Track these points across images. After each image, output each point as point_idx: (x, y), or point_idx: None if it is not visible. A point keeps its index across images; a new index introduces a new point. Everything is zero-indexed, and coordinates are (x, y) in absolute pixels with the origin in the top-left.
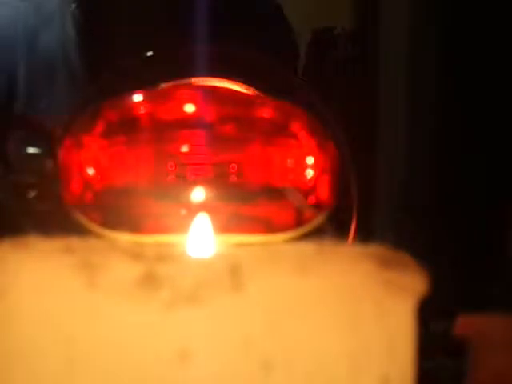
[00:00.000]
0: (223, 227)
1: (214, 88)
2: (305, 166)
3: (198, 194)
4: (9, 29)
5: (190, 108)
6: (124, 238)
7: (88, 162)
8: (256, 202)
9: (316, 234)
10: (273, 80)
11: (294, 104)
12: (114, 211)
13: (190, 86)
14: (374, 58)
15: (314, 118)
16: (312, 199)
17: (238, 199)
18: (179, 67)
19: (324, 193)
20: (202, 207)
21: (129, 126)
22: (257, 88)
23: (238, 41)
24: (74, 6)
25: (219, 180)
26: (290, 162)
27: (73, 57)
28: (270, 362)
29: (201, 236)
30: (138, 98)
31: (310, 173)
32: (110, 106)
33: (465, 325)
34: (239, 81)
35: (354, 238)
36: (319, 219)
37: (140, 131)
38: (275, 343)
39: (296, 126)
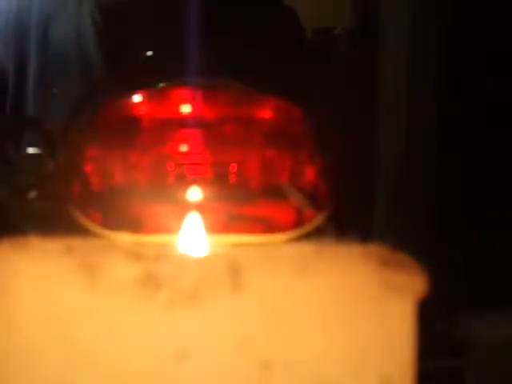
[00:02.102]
0: (223, 227)
1: (214, 88)
2: (305, 166)
3: (198, 194)
4: (15, 29)
5: (189, 108)
6: (124, 238)
7: (88, 162)
8: (256, 202)
9: (316, 234)
10: (273, 80)
11: (294, 104)
12: (114, 211)
13: (190, 86)
14: (374, 58)
15: (313, 118)
16: (312, 199)
17: (238, 199)
18: (179, 67)
19: (324, 193)
20: (201, 207)
21: (128, 126)
22: (256, 88)
23: (238, 40)
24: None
25: (219, 180)
26: (289, 162)
27: (81, 56)
28: (269, 362)
29: (200, 236)
30: (137, 98)
31: (309, 173)
32: (109, 106)
33: (465, 325)
34: (239, 81)
35: (354, 238)
36: (319, 219)
37: (140, 131)
38: (275, 343)
39: (296, 126)
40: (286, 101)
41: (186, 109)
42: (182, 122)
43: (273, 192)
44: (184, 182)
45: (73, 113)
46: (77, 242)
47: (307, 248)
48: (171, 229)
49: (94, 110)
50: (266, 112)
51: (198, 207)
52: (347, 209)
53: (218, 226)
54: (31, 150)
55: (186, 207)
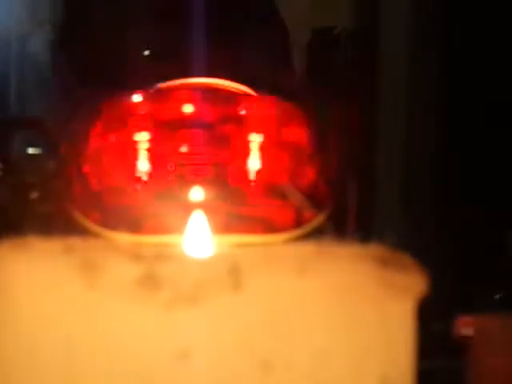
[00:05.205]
0: (223, 227)
1: (214, 88)
2: (305, 166)
3: (198, 194)
4: (5, 29)
5: (189, 108)
6: (124, 238)
7: (88, 162)
8: (256, 202)
9: (316, 234)
10: (273, 80)
11: (294, 104)
12: (113, 211)
13: (190, 85)
14: (374, 58)
15: (313, 118)
16: (312, 199)
17: (238, 199)
18: (178, 67)
19: (324, 193)
20: (201, 207)
21: (128, 126)
22: (256, 88)
23: (236, 40)
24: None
25: (219, 180)
26: (289, 162)
27: (68, 58)
28: (269, 361)
29: (200, 236)
30: (137, 98)
31: (309, 173)
32: (109, 106)
33: (464, 325)
34: (239, 81)
35: (354, 238)
36: (319, 219)
37: (139, 131)
38: (275, 343)
39: (296, 126)
40: (286, 101)
41: (185, 109)
42: (181, 122)
43: (273, 192)
44: (184, 182)
45: (73, 113)
46: (77, 242)
47: (307, 248)
48: (171, 229)
49: (94, 110)
50: (265, 112)
51: (198, 207)
52: (347, 209)
53: (218, 226)
54: (31, 150)
55: (186, 207)
